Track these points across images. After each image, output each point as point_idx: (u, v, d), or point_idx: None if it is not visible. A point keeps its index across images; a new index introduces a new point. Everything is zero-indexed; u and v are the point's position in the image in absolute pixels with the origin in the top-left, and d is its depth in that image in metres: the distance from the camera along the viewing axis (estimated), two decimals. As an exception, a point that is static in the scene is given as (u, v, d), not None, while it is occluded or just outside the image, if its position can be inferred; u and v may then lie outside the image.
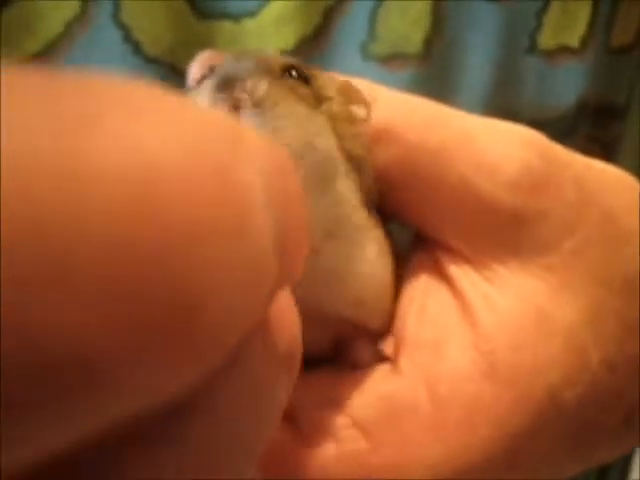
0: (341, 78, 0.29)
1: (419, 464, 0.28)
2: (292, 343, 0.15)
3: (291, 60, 0.28)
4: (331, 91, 0.28)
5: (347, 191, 0.27)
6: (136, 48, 0.38)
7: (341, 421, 0.28)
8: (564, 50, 0.41)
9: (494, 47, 0.40)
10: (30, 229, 0.09)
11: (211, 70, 0.26)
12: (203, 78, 0.27)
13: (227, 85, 0.24)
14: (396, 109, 0.30)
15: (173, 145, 0.10)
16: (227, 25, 0.39)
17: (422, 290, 0.31)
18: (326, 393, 0.29)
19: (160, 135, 0.10)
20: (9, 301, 0.09)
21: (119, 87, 0.11)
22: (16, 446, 0.09)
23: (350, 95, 0.28)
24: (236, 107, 0.24)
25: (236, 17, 0.39)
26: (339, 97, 0.28)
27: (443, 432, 0.28)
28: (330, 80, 0.29)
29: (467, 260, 0.30)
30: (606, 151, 0.45)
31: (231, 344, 0.11)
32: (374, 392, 0.29)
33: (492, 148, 0.29)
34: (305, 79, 0.27)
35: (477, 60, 0.40)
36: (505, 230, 0.29)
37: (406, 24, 0.39)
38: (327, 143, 0.26)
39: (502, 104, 0.41)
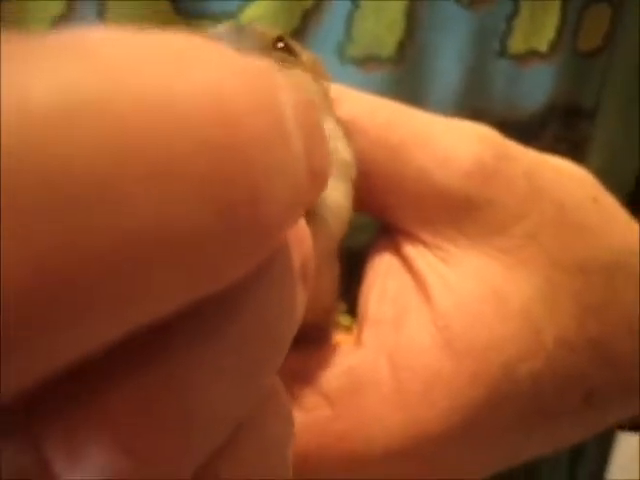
0: (309, 52, 0.32)
1: (380, 432, 0.30)
2: (305, 256, 0.17)
3: (278, 31, 0.30)
4: (302, 65, 0.30)
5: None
6: None
7: (308, 391, 0.30)
8: (533, 54, 0.43)
9: (466, 51, 0.42)
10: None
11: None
12: None
13: None
14: (361, 108, 0.33)
15: (232, 75, 0.13)
16: (207, 26, 0.40)
17: (383, 272, 0.33)
18: (295, 367, 0.31)
19: (220, 69, 0.13)
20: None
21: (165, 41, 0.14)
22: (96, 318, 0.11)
23: (317, 70, 0.31)
24: None
25: (217, 18, 0.40)
26: (311, 68, 0.30)
27: (403, 403, 0.30)
28: (303, 51, 0.31)
29: (425, 243, 0.33)
30: (575, 150, 0.47)
31: (278, 238, 0.14)
32: (338, 365, 0.31)
33: (448, 143, 0.32)
34: (291, 51, 0.29)
35: (449, 63, 0.42)
36: (459, 215, 0.32)
37: (381, 27, 0.41)
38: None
39: (472, 105, 0.42)
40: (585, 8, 0.44)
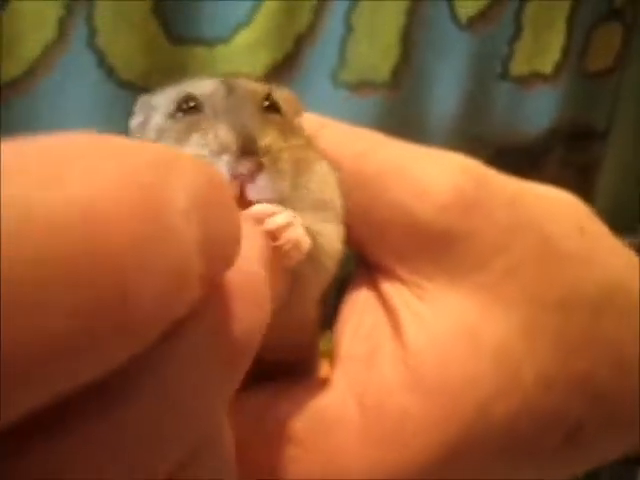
0: (285, 90, 0.31)
1: (347, 474, 0.29)
2: (240, 338, 0.17)
3: (265, 86, 0.30)
4: (283, 104, 0.30)
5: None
6: (110, 73, 0.39)
7: (276, 432, 0.30)
8: (536, 76, 0.41)
9: (464, 75, 0.40)
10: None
11: (191, 101, 0.28)
12: (186, 104, 0.28)
13: (245, 154, 0.25)
14: (337, 138, 0.32)
15: (111, 183, 0.14)
16: (200, 50, 0.40)
17: (359, 308, 0.33)
18: (265, 406, 0.31)
19: (101, 177, 0.14)
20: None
21: (73, 144, 0.15)
22: None
23: (295, 106, 0.31)
24: (258, 170, 0.26)
25: (209, 43, 0.40)
26: (289, 108, 0.30)
27: (373, 443, 0.29)
28: (279, 91, 0.31)
29: (401, 280, 0.32)
30: (583, 173, 0.45)
31: (158, 328, 0.14)
32: (306, 405, 0.30)
33: (426, 174, 0.31)
34: (276, 107, 0.29)
35: (447, 88, 0.40)
36: (436, 249, 0.31)
37: (375, 52, 0.40)
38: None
39: (472, 131, 0.41)
40: (594, 28, 0.42)
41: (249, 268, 0.19)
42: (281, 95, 0.30)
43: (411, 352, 0.30)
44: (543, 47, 0.41)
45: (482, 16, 0.40)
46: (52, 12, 0.38)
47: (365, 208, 0.31)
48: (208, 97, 0.28)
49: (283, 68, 0.40)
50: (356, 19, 0.39)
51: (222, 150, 0.26)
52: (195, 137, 0.26)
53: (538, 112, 0.42)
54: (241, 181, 0.25)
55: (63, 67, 0.39)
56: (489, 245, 0.31)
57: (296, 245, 0.25)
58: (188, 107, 0.28)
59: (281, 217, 0.25)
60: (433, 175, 0.31)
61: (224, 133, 0.26)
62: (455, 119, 0.41)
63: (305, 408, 0.30)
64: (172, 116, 0.29)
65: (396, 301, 0.31)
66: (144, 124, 0.30)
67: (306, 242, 0.26)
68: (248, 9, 0.39)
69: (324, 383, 0.31)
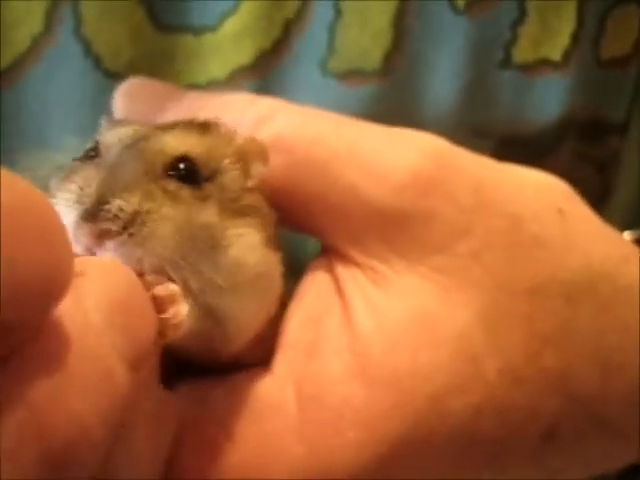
0: (243, 138, 0.30)
1: (280, 463, 0.28)
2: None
3: (184, 147, 0.27)
4: (228, 159, 0.29)
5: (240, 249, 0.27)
6: (97, 62, 0.38)
7: (208, 421, 0.28)
8: (544, 64, 0.39)
9: (462, 62, 0.38)
10: None
11: (95, 150, 0.27)
12: (91, 152, 0.27)
13: (91, 216, 0.24)
14: (291, 122, 0.31)
15: None
16: (187, 39, 0.39)
17: (312, 294, 0.31)
18: (202, 396, 0.29)
19: None
20: None
21: None
22: None
23: (248, 157, 0.29)
24: (101, 237, 0.24)
25: (196, 31, 0.39)
26: (236, 164, 0.29)
27: (307, 433, 0.28)
28: (228, 146, 0.29)
29: (356, 264, 0.30)
30: (599, 167, 0.42)
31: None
32: (241, 393, 0.29)
33: (382, 155, 0.30)
34: (193, 171, 0.27)
35: (443, 76, 0.38)
36: (392, 232, 0.29)
37: (365, 38, 0.38)
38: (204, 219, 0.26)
39: (471, 121, 0.39)
40: (609, 11, 0.39)
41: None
42: (229, 151, 0.29)
43: (358, 338, 0.28)
44: (551, 32, 0.38)
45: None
46: (39, 3, 0.38)
47: (318, 194, 0.30)
48: (106, 148, 0.27)
49: (271, 56, 0.38)
50: (345, 4, 0.38)
51: (74, 204, 0.24)
52: (68, 187, 0.25)
53: (546, 101, 0.39)
54: (87, 245, 0.24)
55: (50, 58, 0.38)
56: (450, 227, 0.29)
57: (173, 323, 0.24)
58: (91, 155, 0.27)
59: (175, 287, 0.24)
60: (389, 155, 0.30)
61: (86, 187, 0.24)
62: (454, 109, 0.38)
63: (240, 395, 0.29)
64: (78, 157, 0.28)
65: (349, 285, 0.30)
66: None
67: (184, 324, 0.24)
68: None
69: (265, 371, 0.30)
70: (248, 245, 0.28)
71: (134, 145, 0.27)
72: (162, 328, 0.24)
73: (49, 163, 0.30)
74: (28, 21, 0.38)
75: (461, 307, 0.28)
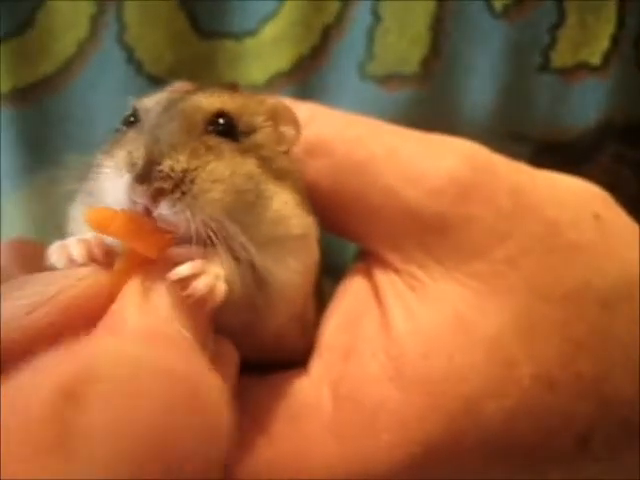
0: (272, 100, 0.31)
1: (315, 461, 0.28)
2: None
3: (219, 104, 0.28)
4: (261, 117, 0.29)
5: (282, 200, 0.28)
6: (139, 68, 0.39)
7: (247, 422, 0.29)
8: (583, 67, 0.38)
9: (500, 66, 0.38)
10: None
11: (134, 116, 0.28)
12: (131, 118, 0.28)
13: (145, 177, 0.25)
14: (330, 125, 0.32)
15: None
16: (228, 44, 0.39)
17: (350, 298, 0.32)
18: (239, 392, 0.29)
19: None
20: None
21: None
22: None
23: (279, 117, 0.30)
24: (156, 196, 0.25)
25: (237, 36, 0.39)
26: (268, 122, 0.30)
27: (342, 433, 0.28)
28: (260, 105, 0.30)
29: (394, 269, 0.31)
30: (636, 170, 0.42)
31: None
32: (279, 392, 0.30)
33: (420, 159, 0.30)
34: (232, 126, 0.28)
35: (481, 80, 0.38)
36: (431, 237, 0.30)
37: (404, 42, 0.38)
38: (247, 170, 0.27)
39: (509, 125, 0.39)
40: None
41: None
42: (261, 109, 0.29)
43: (394, 341, 0.29)
44: (590, 35, 0.38)
45: (519, 2, 0.37)
46: (85, 10, 0.39)
47: (358, 195, 0.31)
48: (145, 112, 0.28)
49: (310, 61, 0.39)
50: (384, 8, 0.38)
51: (126, 169, 0.25)
52: (115, 154, 0.26)
53: (585, 106, 0.39)
54: (144, 206, 0.25)
55: (95, 64, 0.39)
56: (488, 232, 0.29)
57: (209, 292, 0.25)
58: (130, 120, 0.28)
59: (185, 267, 0.25)
60: (427, 160, 0.30)
61: (134, 151, 0.25)
62: (491, 114, 0.38)
63: (276, 394, 0.29)
64: (119, 129, 0.29)
65: (387, 290, 0.31)
66: None
67: (220, 290, 0.25)
68: (275, 1, 0.39)
69: (303, 372, 0.30)
70: (286, 202, 0.28)
71: (172, 106, 0.27)
72: (200, 297, 0.25)
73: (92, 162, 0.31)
74: (75, 26, 0.39)
75: (496, 313, 0.28)
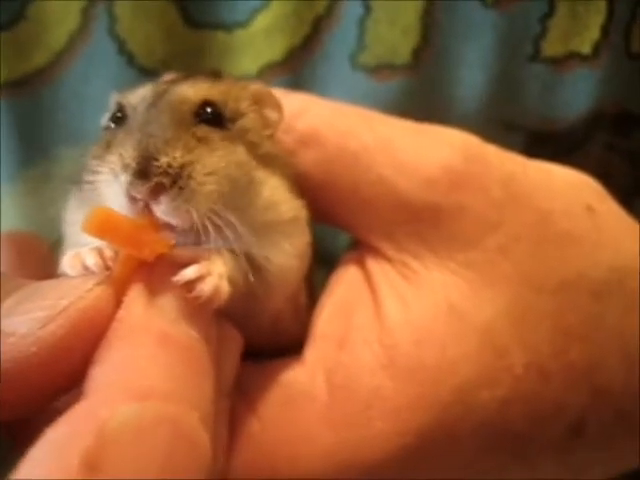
0: (254, 85, 0.31)
1: (309, 448, 0.29)
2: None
3: (204, 93, 0.28)
4: (245, 102, 0.30)
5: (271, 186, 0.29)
6: (130, 60, 0.39)
7: (242, 407, 0.29)
8: (573, 57, 0.39)
9: (491, 56, 0.38)
10: None
11: (121, 112, 0.28)
12: (115, 121, 0.28)
13: (144, 173, 0.25)
14: (322, 116, 0.32)
15: None
16: (219, 35, 0.39)
17: (343, 287, 0.32)
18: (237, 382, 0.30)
19: None
20: None
21: None
22: None
23: (263, 101, 0.30)
24: (156, 192, 0.25)
25: (228, 27, 0.39)
26: (253, 106, 0.30)
27: (336, 421, 0.29)
28: (243, 90, 0.30)
29: (389, 259, 0.31)
30: (630, 159, 0.42)
31: None
32: (274, 379, 0.30)
33: (413, 149, 0.30)
34: (219, 114, 0.28)
35: (472, 70, 0.38)
36: (423, 227, 0.30)
37: (394, 33, 0.38)
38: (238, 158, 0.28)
39: (501, 115, 0.39)
40: (638, 3, 0.39)
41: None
42: (244, 95, 0.30)
43: (388, 330, 0.29)
44: (580, 25, 0.38)
45: None
46: (75, 3, 0.39)
47: (350, 185, 0.31)
48: (133, 108, 0.28)
49: (302, 51, 0.39)
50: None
51: (121, 171, 0.25)
52: (107, 158, 0.26)
53: (576, 96, 0.39)
54: (144, 203, 0.25)
55: (86, 56, 0.39)
56: (481, 221, 0.29)
57: (214, 293, 0.25)
58: (117, 117, 0.28)
59: (191, 270, 0.25)
60: (419, 150, 0.30)
61: (126, 152, 0.25)
62: (483, 103, 0.39)
63: (271, 381, 0.30)
64: (107, 127, 0.29)
65: (380, 279, 0.31)
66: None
67: (224, 290, 0.26)
68: None
69: (298, 360, 0.31)
70: (276, 188, 0.29)
71: (158, 99, 0.27)
72: (206, 298, 0.25)
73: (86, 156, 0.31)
74: (65, 19, 0.39)
75: (488, 302, 0.29)
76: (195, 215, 0.25)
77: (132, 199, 0.25)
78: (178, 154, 0.25)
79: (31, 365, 0.22)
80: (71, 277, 0.25)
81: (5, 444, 0.23)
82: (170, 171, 0.25)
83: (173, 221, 0.25)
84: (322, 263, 0.34)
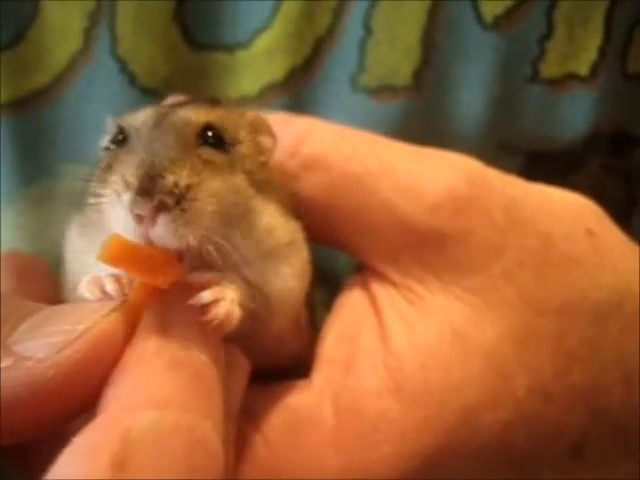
0: (251, 113, 0.31)
1: (316, 472, 0.29)
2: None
3: (206, 117, 0.28)
4: (243, 130, 0.30)
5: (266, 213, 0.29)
6: (132, 80, 0.39)
7: (249, 430, 0.30)
8: (571, 78, 0.39)
9: (491, 78, 0.38)
10: None
11: (122, 135, 0.28)
12: (116, 143, 0.28)
13: (148, 191, 0.24)
14: (327, 140, 0.32)
15: None
16: (220, 56, 0.40)
17: (348, 310, 0.32)
18: (245, 405, 0.30)
19: None
20: None
21: None
22: None
23: (259, 129, 0.30)
24: (158, 210, 0.25)
25: (229, 48, 0.40)
26: (250, 134, 0.30)
27: (343, 445, 0.29)
28: (241, 117, 0.30)
29: (392, 282, 0.31)
30: (626, 179, 0.42)
31: None
32: (281, 402, 0.30)
33: (417, 174, 0.31)
34: (220, 138, 0.28)
35: (472, 92, 0.39)
36: (428, 252, 0.30)
37: (395, 55, 0.38)
38: (237, 184, 0.28)
39: (500, 136, 0.39)
40: (636, 24, 0.40)
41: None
42: (242, 122, 0.30)
43: (393, 354, 0.29)
44: (578, 46, 0.39)
45: (509, 15, 0.38)
46: (78, 23, 0.39)
47: (355, 210, 0.31)
48: (135, 130, 0.28)
49: (302, 72, 0.39)
50: (375, 21, 0.38)
51: (124, 189, 0.25)
52: (109, 180, 0.26)
53: (573, 116, 0.39)
54: (145, 224, 0.25)
55: (87, 76, 0.40)
56: (485, 247, 0.30)
57: (226, 318, 0.25)
58: (118, 140, 0.28)
59: (208, 294, 0.25)
60: (424, 174, 0.31)
61: (129, 171, 0.25)
62: (482, 125, 0.39)
63: (278, 405, 0.30)
64: (107, 148, 0.29)
65: (385, 303, 0.31)
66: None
67: (236, 315, 0.26)
68: (267, 14, 0.39)
69: (305, 384, 0.31)
70: (272, 215, 0.29)
71: (162, 120, 0.27)
72: (218, 323, 0.25)
73: (86, 175, 0.31)
74: (67, 39, 0.39)
75: (492, 326, 0.29)
76: (192, 239, 0.25)
77: (136, 217, 0.25)
78: (185, 173, 0.25)
79: (47, 389, 0.22)
80: (88, 302, 0.25)
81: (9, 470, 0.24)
82: (175, 190, 0.25)
83: (169, 245, 0.25)
84: (322, 282, 0.34)
